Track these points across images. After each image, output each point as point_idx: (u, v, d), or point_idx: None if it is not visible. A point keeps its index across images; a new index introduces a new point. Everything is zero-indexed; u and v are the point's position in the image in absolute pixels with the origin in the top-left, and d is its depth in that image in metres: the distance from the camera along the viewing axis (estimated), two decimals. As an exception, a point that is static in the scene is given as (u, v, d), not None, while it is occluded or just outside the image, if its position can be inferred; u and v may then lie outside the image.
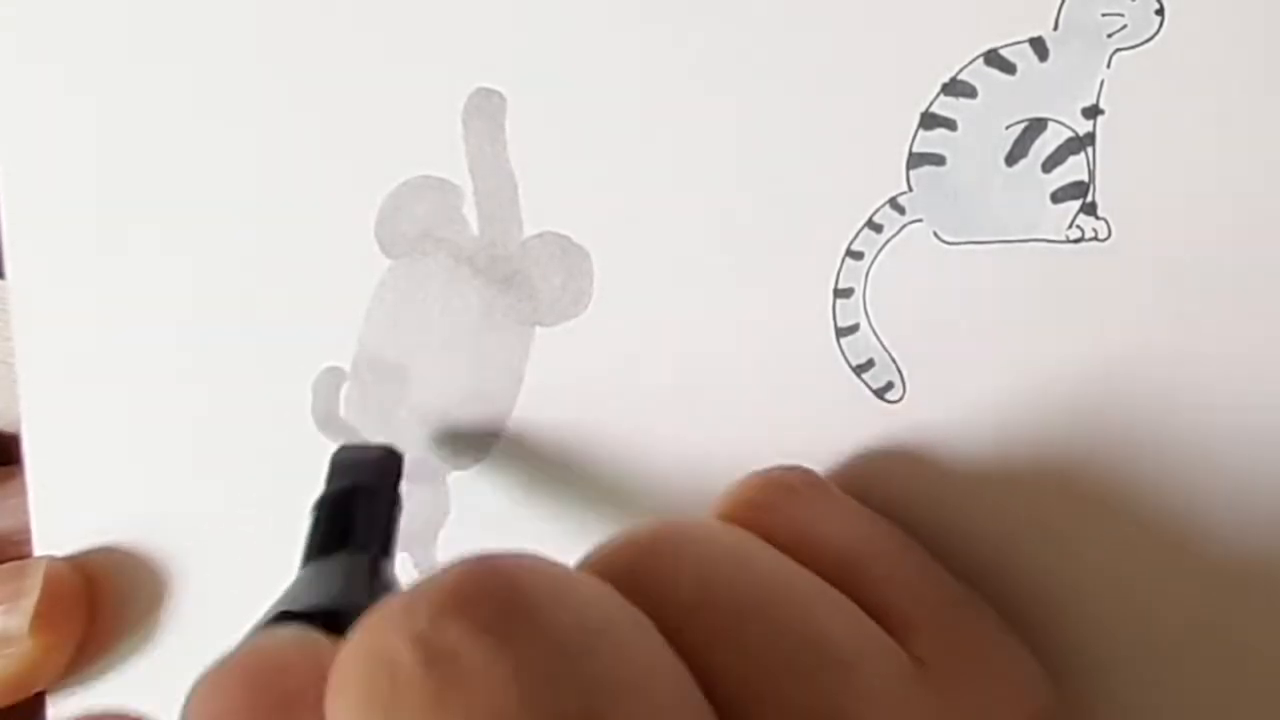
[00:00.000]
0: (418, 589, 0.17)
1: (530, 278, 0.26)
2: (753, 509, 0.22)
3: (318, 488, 0.27)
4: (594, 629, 0.17)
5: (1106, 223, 0.22)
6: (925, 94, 0.23)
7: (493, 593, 0.17)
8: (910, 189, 0.23)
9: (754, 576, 0.20)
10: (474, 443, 0.27)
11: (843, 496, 0.23)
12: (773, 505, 0.22)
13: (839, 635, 0.19)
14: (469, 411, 0.26)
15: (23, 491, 0.30)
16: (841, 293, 0.24)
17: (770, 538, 0.21)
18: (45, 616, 0.28)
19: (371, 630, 0.17)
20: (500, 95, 0.25)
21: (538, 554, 0.18)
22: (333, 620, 0.20)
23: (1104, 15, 0.22)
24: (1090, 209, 0.22)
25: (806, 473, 0.23)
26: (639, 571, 0.19)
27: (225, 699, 0.18)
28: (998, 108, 0.23)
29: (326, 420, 0.27)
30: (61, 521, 0.30)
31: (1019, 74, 0.22)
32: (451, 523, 0.27)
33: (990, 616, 0.23)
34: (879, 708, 0.18)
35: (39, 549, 0.30)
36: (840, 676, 0.19)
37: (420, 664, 0.16)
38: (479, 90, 0.25)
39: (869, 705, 0.18)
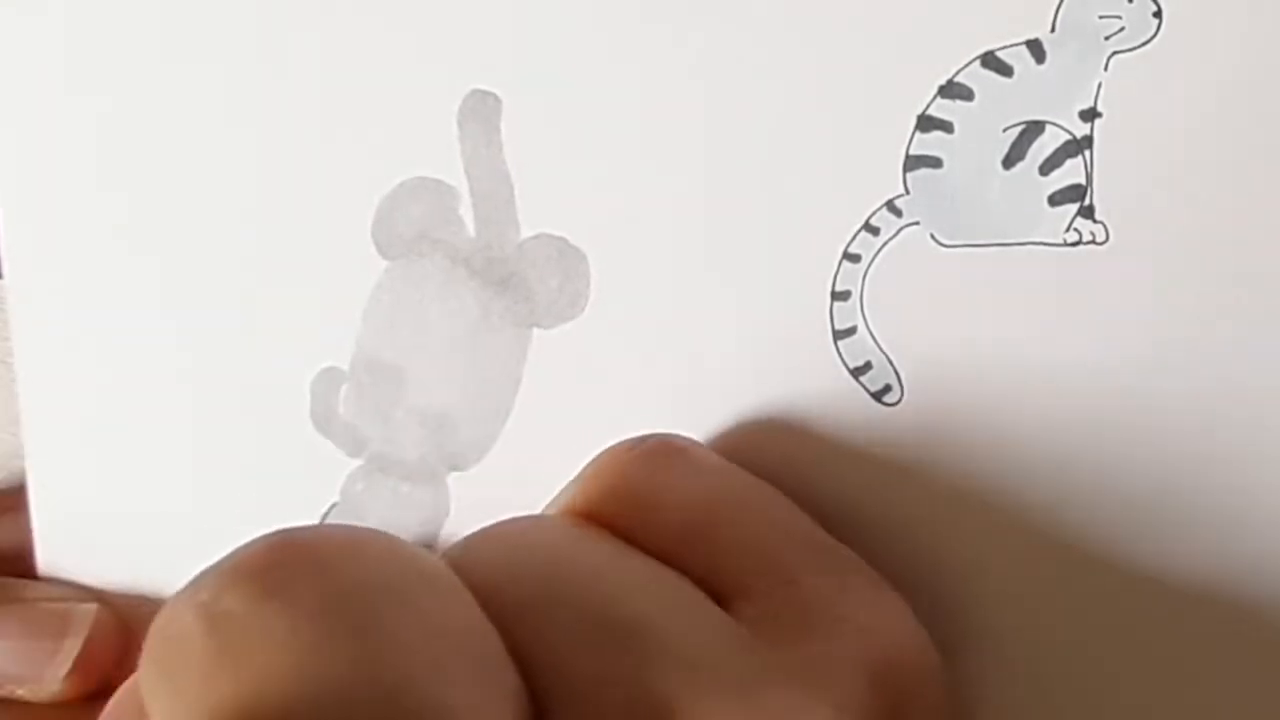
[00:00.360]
0: (209, 566, 0.18)
1: (527, 279, 0.26)
2: (589, 491, 0.22)
3: (316, 489, 0.28)
4: (381, 582, 0.18)
5: (1104, 226, 0.22)
6: (922, 96, 0.23)
7: (279, 560, 0.18)
8: (907, 192, 0.23)
9: (552, 565, 0.20)
10: (473, 443, 0.27)
11: (699, 457, 0.23)
12: (606, 485, 0.22)
13: (640, 609, 0.19)
14: (468, 412, 0.26)
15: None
16: (839, 295, 0.24)
17: (604, 520, 0.22)
18: (81, 668, 0.28)
19: (165, 609, 0.18)
20: (496, 97, 0.25)
21: (347, 525, 0.19)
22: None
23: (1101, 17, 0.22)
24: (1088, 212, 0.22)
25: (654, 443, 0.23)
26: (452, 560, 0.20)
27: None
28: (995, 110, 0.23)
29: (325, 421, 0.27)
30: (62, 521, 0.30)
31: (1016, 76, 0.22)
32: (451, 523, 0.27)
33: (861, 573, 0.22)
34: (693, 673, 0.19)
35: (40, 549, 0.30)
36: (647, 647, 0.19)
37: (202, 630, 0.17)
38: (475, 92, 0.25)
39: (680, 672, 0.18)
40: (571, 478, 0.23)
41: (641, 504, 0.22)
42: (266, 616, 0.17)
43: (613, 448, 0.23)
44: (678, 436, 0.24)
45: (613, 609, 0.19)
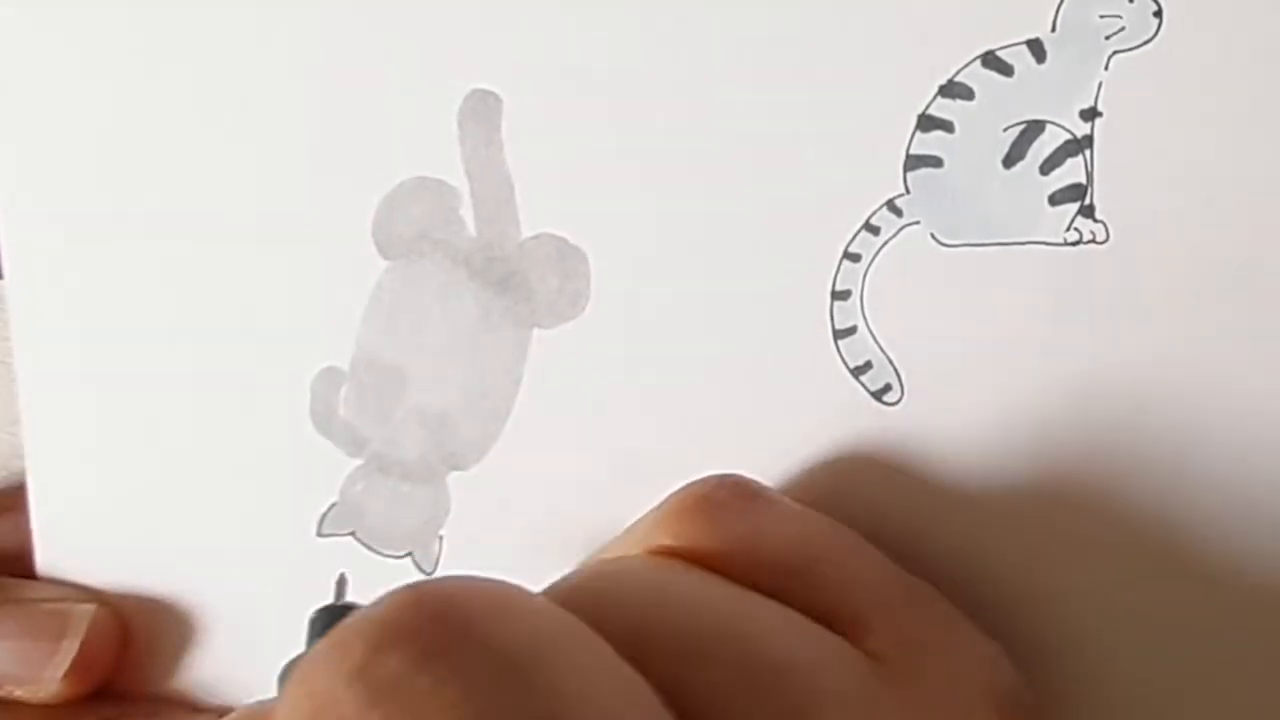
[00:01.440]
0: (349, 624, 0.17)
1: (528, 279, 0.26)
2: (683, 530, 0.22)
3: (315, 489, 0.27)
4: (541, 641, 0.17)
5: (1105, 225, 0.22)
6: (922, 96, 0.23)
7: (430, 617, 0.16)
8: (907, 191, 0.23)
9: (686, 605, 0.19)
10: (473, 443, 0.27)
11: (778, 499, 0.23)
12: (704, 524, 0.22)
13: (789, 647, 0.19)
14: (468, 412, 0.26)
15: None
16: (839, 295, 0.24)
17: (704, 559, 0.21)
18: (79, 668, 0.28)
19: (306, 675, 0.16)
20: (496, 96, 0.25)
21: (474, 575, 0.18)
22: None
23: (1102, 17, 0.22)
24: (1088, 211, 0.22)
25: (734, 482, 0.23)
26: (573, 606, 0.18)
27: None
28: (995, 110, 0.23)
29: (325, 420, 0.27)
30: (62, 521, 0.30)
31: (1016, 76, 0.22)
32: (451, 523, 0.27)
33: (942, 603, 0.22)
34: (847, 710, 0.18)
35: (39, 549, 0.30)
36: (801, 686, 0.18)
37: (363, 701, 0.16)
38: (475, 91, 0.25)
39: (837, 709, 0.18)
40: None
41: (740, 542, 0.22)
42: (433, 682, 0.16)
43: (691, 486, 0.23)
44: (748, 478, 0.23)
45: (763, 649, 0.19)
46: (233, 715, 0.20)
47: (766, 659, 0.19)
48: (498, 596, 0.17)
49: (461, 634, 0.16)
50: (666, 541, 0.22)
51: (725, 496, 0.22)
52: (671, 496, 0.23)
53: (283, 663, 0.20)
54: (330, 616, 0.24)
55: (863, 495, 0.24)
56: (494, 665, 0.16)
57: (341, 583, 0.26)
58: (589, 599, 0.19)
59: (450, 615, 0.16)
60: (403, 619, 0.16)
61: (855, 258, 0.23)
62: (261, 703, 0.19)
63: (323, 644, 0.16)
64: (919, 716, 0.19)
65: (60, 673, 0.28)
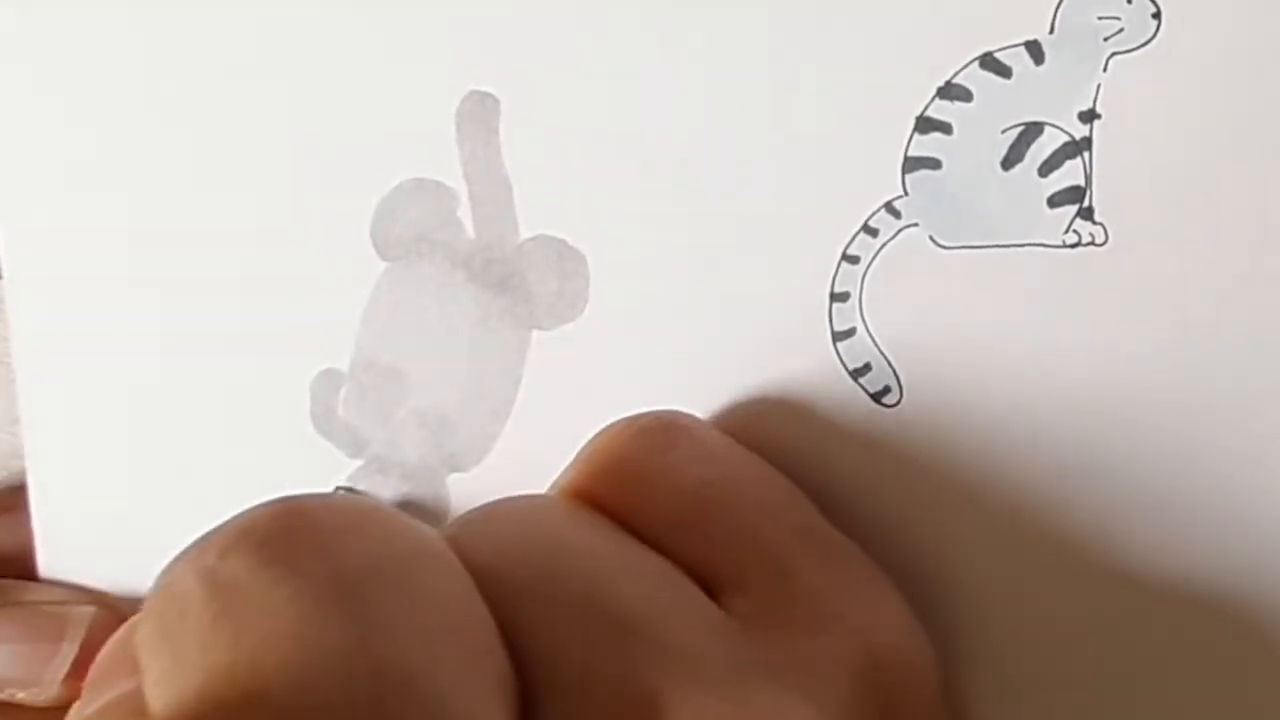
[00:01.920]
0: (213, 530, 0.18)
1: (526, 281, 0.26)
2: (585, 472, 0.22)
3: (316, 490, 0.27)
4: (383, 558, 0.18)
5: (1103, 227, 0.22)
6: (920, 98, 0.23)
7: (282, 527, 0.18)
8: (906, 193, 0.23)
9: (547, 549, 0.20)
10: (472, 445, 0.27)
11: (700, 437, 0.23)
12: (604, 466, 0.22)
13: (630, 600, 0.19)
14: (468, 414, 0.26)
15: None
16: (838, 297, 0.24)
17: (601, 503, 0.22)
18: (79, 670, 0.28)
19: (171, 569, 0.18)
20: (494, 98, 0.25)
21: (347, 495, 0.19)
22: None
23: (1100, 19, 0.22)
24: (1087, 213, 0.22)
25: (649, 421, 0.23)
26: (451, 538, 0.19)
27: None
28: (993, 111, 0.22)
29: (325, 422, 0.27)
30: (62, 522, 0.30)
31: (1015, 77, 0.22)
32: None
33: (849, 562, 0.22)
34: (678, 667, 0.19)
35: (40, 550, 0.30)
36: (640, 640, 0.19)
37: (204, 595, 0.17)
38: (473, 93, 0.25)
39: (659, 660, 0.19)
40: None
41: (637, 485, 0.22)
42: (267, 585, 0.17)
43: (612, 425, 0.23)
44: (679, 413, 0.24)
45: (606, 600, 0.19)
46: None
47: (610, 609, 0.19)
48: (356, 514, 0.18)
49: (303, 544, 0.17)
50: (573, 483, 0.22)
51: (630, 435, 0.23)
52: (594, 435, 0.23)
53: None
54: None
55: (862, 497, 0.24)
56: (324, 576, 0.17)
57: None
58: (467, 532, 0.20)
59: (300, 527, 0.18)
60: (257, 527, 0.18)
61: (854, 260, 0.23)
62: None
63: (192, 543, 0.18)
64: (769, 682, 0.19)
65: (61, 675, 0.28)
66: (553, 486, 0.23)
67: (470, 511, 0.21)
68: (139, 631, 0.18)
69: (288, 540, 0.17)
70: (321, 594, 0.17)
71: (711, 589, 0.21)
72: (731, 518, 0.22)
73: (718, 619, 0.20)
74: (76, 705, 0.20)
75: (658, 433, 0.23)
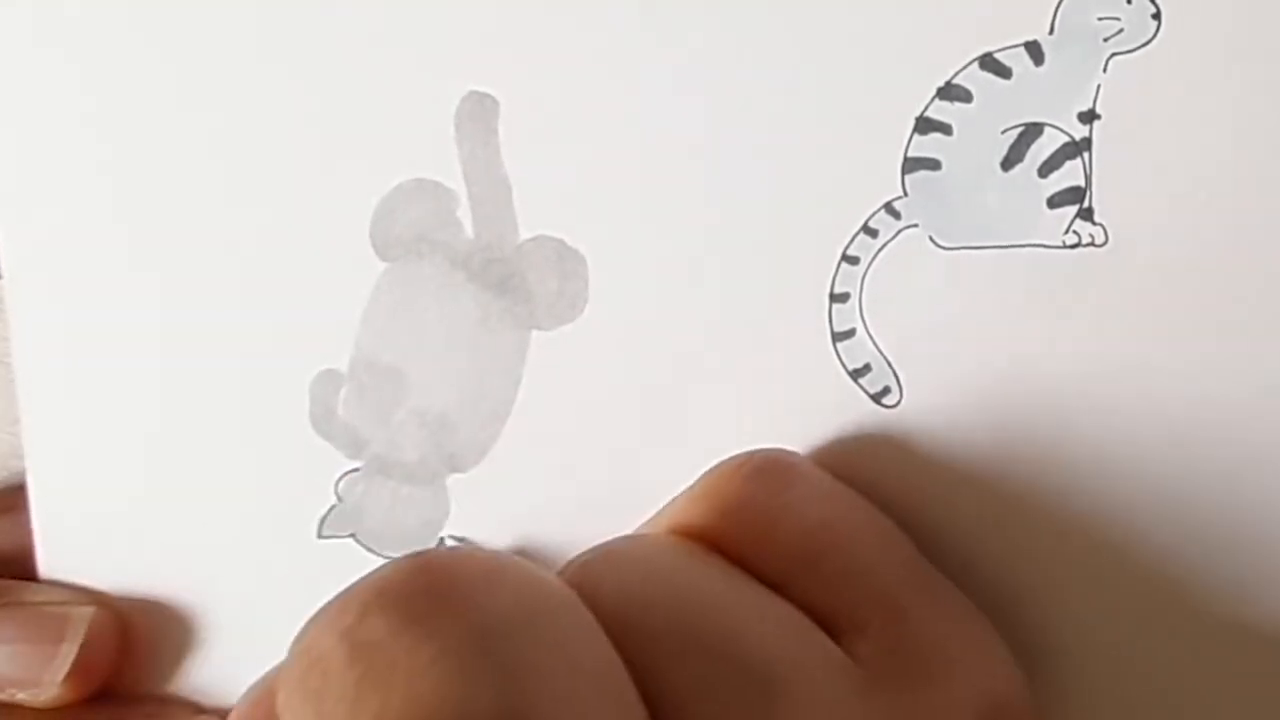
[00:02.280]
0: (350, 589, 0.18)
1: (526, 281, 0.25)
2: (702, 511, 0.22)
3: (315, 491, 0.28)
4: (522, 614, 0.18)
5: (1103, 228, 0.22)
6: (920, 98, 0.23)
7: (422, 586, 0.18)
8: (905, 194, 0.23)
9: (679, 595, 0.20)
10: (472, 445, 0.27)
11: (810, 477, 0.23)
12: (721, 506, 0.22)
13: (767, 652, 0.19)
14: (468, 414, 0.26)
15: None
16: (837, 298, 0.24)
17: (718, 543, 0.21)
18: (79, 671, 0.28)
19: (306, 631, 0.18)
20: (493, 98, 0.25)
21: (480, 546, 0.19)
22: None
23: (1100, 19, 0.22)
24: (1087, 214, 0.22)
25: (761, 461, 0.23)
26: (575, 583, 0.19)
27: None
28: (993, 112, 0.22)
29: (325, 422, 0.27)
30: (62, 522, 0.30)
31: (1014, 78, 0.22)
32: (451, 524, 0.27)
33: (952, 601, 0.22)
34: (808, 714, 0.19)
35: (40, 550, 0.30)
36: (773, 690, 0.19)
37: (345, 657, 0.17)
38: (472, 94, 0.25)
39: (798, 712, 0.19)
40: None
41: (756, 527, 0.22)
42: (410, 645, 0.17)
43: (723, 464, 0.23)
44: (786, 452, 0.23)
45: (741, 648, 0.19)
46: (256, 681, 0.21)
47: (743, 658, 0.19)
48: (491, 567, 0.18)
49: (444, 601, 0.17)
50: (687, 522, 0.22)
51: (745, 475, 0.22)
52: (704, 474, 0.23)
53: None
54: None
55: (862, 496, 0.24)
56: (468, 634, 0.17)
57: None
58: (591, 577, 0.20)
59: (439, 583, 0.18)
60: (396, 585, 0.18)
61: (854, 260, 0.23)
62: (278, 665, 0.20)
63: (328, 604, 0.18)
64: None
65: (61, 675, 0.28)
66: (657, 520, 0.23)
67: (587, 553, 0.21)
68: (280, 696, 0.18)
69: (426, 599, 0.17)
70: (464, 653, 0.17)
71: (831, 630, 0.21)
72: (846, 560, 0.22)
73: (846, 668, 0.20)
74: None
75: (771, 473, 0.23)
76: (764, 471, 0.23)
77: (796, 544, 0.22)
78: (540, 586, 0.19)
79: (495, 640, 0.17)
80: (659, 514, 0.23)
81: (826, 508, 0.22)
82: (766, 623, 0.20)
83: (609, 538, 0.22)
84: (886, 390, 0.24)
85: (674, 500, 0.23)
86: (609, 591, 0.19)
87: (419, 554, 0.18)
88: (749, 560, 0.21)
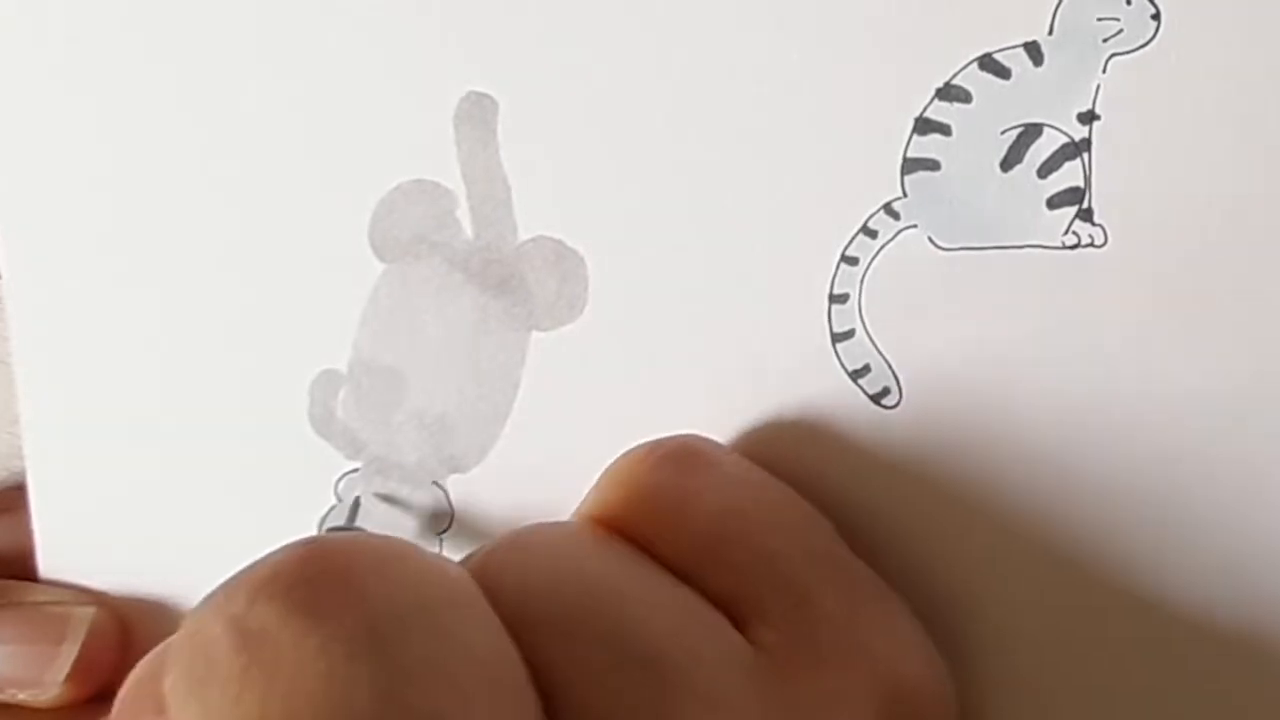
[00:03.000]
0: (240, 573, 0.18)
1: (525, 282, 0.25)
2: (609, 499, 0.22)
3: (315, 491, 0.28)
4: (414, 604, 0.17)
5: (1103, 229, 0.22)
6: (919, 99, 0.23)
7: (313, 574, 0.17)
8: (905, 194, 0.23)
9: (578, 584, 0.20)
10: (471, 446, 0.27)
11: (720, 462, 0.23)
12: (627, 493, 0.22)
13: (662, 641, 0.19)
14: (467, 415, 0.26)
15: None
16: (837, 298, 0.24)
17: (625, 530, 0.21)
18: (80, 671, 0.28)
19: (195, 615, 0.18)
20: (492, 99, 0.25)
21: (374, 534, 0.19)
22: None
23: (1100, 20, 0.22)
24: (1086, 215, 0.22)
25: (672, 447, 0.23)
26: (476, 571, 0.19)
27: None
28: (992, 112, 0.22)
29: (324, 423, 0.27)
30: (63, 522, 0.30)
31: (1014, 78, 0.22)
32: (451, 526, 0.27)
33: (866, 588, 0.22)
34: (701, 704, 0.18)
35: (41, 550, 0.30)
36: (668, 679, 0.19)
37: (231, 645, 0.17)
38: (471, 94, 0.25)
39: (689, 703, 0.18)
40: (591, 480, 0.23)
41: (662, 514, 0.22)
42: (297, 634, 0.17)
43: (633, 451, 0.23)
44: (697, 438, 0.23)
45: (637, 638, 0.19)
46: (145, 660, 0.20)
47: (639, 647, 0.19)
48: (386, 557, 0.18)
49: (334, 590, 0.17)
50: (599, 509, 0.22)
51: (653, 462, 0.22)
52: (615, 460, 0.23)
53: None
54: None
55: (861, 499, 0.24)
56: (355, 625, 0.17)
57: (356, 505, 0.26)
58: (493, 566, 0.20)
59: (330, 572, 0.17)
60: (286, 571, 0.17)
61: (853, 261, 0.23)
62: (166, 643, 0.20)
63: (218, 588, 0.18)
64: (790, 714, 0.19)
65: (61, 676, 0.28)
66: (576, 512, 0.23)
67: (496, 542, 0.21)
68: (167, 678, 0.18)
69: (316, 586, 0.17)
70: (352, 644, 0.17)
71: (735, 618, 0.21)
72: (753, 546, 0.22)
73: (746, 656, 0.20)
74: None
75: (680, 459, 0.22)
76: (673, 458, 0.22)
77: (703, 531, 0.21)
78: (435, 575, 0.18)
79: (384, 631, 0.17)
80: (582, 502, 0.23)
81: (735, 494, 0.22)
82: (665, 611, 0.20)
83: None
84: (886, 391, 0.24)
85: (592, 487, 0.23)
86: (510, 581, 0.19)
87: (312, 540, 0.18)
88: (657, 548, 0.21)
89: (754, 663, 0.20)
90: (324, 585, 0.17)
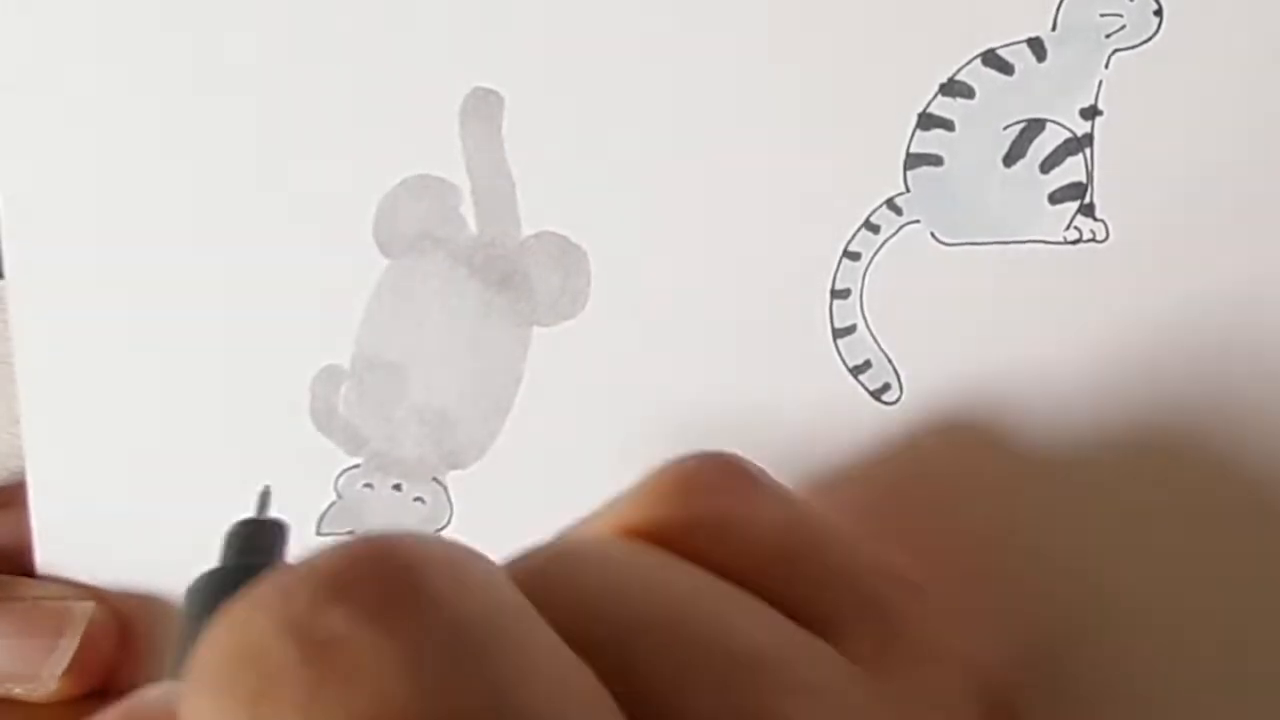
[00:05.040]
0: (293, 570, 0.15)
1: (528, 277, 0.26)
2: (657, 511, 0.20)
3: (315, 487, 0.27)
4: (495, 613, 0.16)
5: (1105, 224, 0.22)
6: (923, 94, 0.23)
7: (384, 574, 0.15)
8: (908, 190, 0.23)
9: (651, 589, 0.18)
10: (472, 442, 0.27)
11: (768, 482, 0.22)
12: (678, 505, 0.20)
13: (754, 637, 0.18)
14: (468, 410, 0.26)
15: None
16: (839, 293, 0.24)
17: (675, 543, 0.20)
18: (78, 666, 0.28)
19: (238, 620, 0.15)
20: (498, 95, 0.25)
21: (429, 534, 0.17)
22: None
23: (1102, 16, 0.22)
24: (1088, 210, 0.22)
25: (720, 461, 0.21)
26: (522, 579, 0.17)
27: None
28: (995, 108, 0.23)
29: (325, 419, 0.27)
30: (61, 520, 0.30)
31: (1017, 74, 0.22)
32: (451, 522, 0.27)
33: (931, 601, 0.22)
34: (819, 702, 0.17)
35: (39, 548, 0.30)
36: (766, 677, 0.17)
37: (295, 654, 0.14)
38: (476, 90, 0.25)
39: (807, 701, 0.17)
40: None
41: (724, 529, 0.20)
42: (374, 643, 0.15)
43: (675, 462, 0.21)
44: (736, 455, 0.22)
45: (728, 637, 0.18)
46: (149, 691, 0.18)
47: (726, 647, 0.17)
48: (455, 561, 0.16)
49: (413, 595, 0.15)
50: (639, 522, 0.20)
51: (707, 477, 0.21)
52: (652, 472, 0.21)
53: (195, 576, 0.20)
54: (250, 531, 0.24)
55: (862, 494, 0.24)
56: (444, 632, 0.15)
57: (265, 495, 0.25)
58: (544, 579, 0.18)
59: (404, 574, 0.15)
60: (353, 572, 0.15)
61: (855, 256, 0.23)
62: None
63: (262, 587, 0.15)
64: (900, 711, 0.18)
65: (59, 671, 0.28)
66: (594, 521, 0.21)
67: (533, 552, 0.19)
68: (189, 702, 0.15)
69: (388, 589, 0.15)
70: (439, 654, 0.15)
71: (817, 633, 0.20)
72: (820, 560, 0.21)
73: (833, 654, 0.19)
74: None
75: (736, 475, 0.21)
76: (726, 473, 0.21)
77: (760, 545, 0.20)
78: (501, 583, 0.17)
79: (470, 642, 0.15)
80: (602, 512, 0.21)
81: (791, 512, 0.21)
82: (744, 614, 0.19)
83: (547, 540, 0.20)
84: (886, 387, 0.24)
85: (618, 499, 0.21)
86: (563, 592, 0.17)
87: (371, 539, 0.16)
88: (713, 564, 0.20)
89: (846, 663, 0.19)
90: (399, 589, 0.15)
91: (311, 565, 0.15)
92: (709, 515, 0.20)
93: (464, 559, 0.16)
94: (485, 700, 0.14)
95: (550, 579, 0.18)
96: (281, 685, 0.14)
